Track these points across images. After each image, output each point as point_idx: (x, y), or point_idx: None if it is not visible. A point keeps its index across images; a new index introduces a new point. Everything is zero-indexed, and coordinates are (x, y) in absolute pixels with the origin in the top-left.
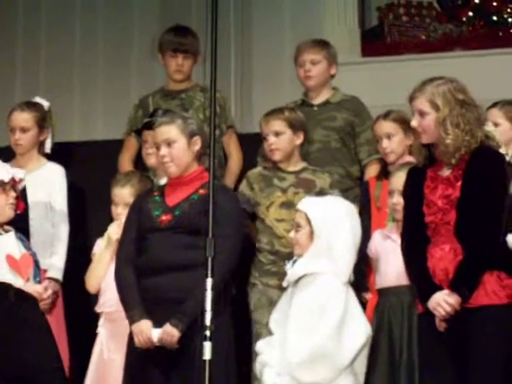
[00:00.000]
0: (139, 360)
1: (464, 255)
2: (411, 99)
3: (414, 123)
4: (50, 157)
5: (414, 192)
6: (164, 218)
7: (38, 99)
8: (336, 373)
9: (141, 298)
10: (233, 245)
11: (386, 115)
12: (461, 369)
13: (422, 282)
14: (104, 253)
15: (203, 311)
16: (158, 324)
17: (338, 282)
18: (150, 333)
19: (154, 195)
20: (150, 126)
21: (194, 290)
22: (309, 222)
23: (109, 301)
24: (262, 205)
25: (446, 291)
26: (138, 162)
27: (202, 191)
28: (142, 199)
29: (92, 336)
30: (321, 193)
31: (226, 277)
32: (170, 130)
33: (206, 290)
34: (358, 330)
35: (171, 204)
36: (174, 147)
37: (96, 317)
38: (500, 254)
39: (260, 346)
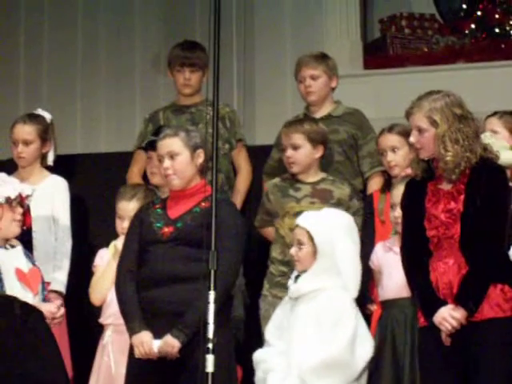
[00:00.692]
0: (140, 371)
1: (469, 269)
2: (408, 115)
3: (412, 139)
4: (53, 169)
5: (413, 205)
6: (166, 230)
7: (40, 111)
8: (346, 382)
9: (140, 311)
10: (234, 258)
11: (390, 128)
12: (464, 381)
13: (426, 296)
14: (111, 265)
15: (205, 323)
16: (158, 336)
17: (348, 297)
18: (151, 343)
19: (155, 208)
20: (153, 146)
21: (196, 302)
22: (311, 239)
23: (117, 312)
24: (278, 215)
25: (451, 306)
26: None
27: (204, 204)
28: (144, 211)
29: (94, 347)
30: (339, 204)
31: (227, 290)
32: (174, 143)
33: (208, 302)
34: (367, 344)
35: (173, 216)
36: (177, 160)
37: (98, 328)
38: (504, 267)
39: (260, 355)
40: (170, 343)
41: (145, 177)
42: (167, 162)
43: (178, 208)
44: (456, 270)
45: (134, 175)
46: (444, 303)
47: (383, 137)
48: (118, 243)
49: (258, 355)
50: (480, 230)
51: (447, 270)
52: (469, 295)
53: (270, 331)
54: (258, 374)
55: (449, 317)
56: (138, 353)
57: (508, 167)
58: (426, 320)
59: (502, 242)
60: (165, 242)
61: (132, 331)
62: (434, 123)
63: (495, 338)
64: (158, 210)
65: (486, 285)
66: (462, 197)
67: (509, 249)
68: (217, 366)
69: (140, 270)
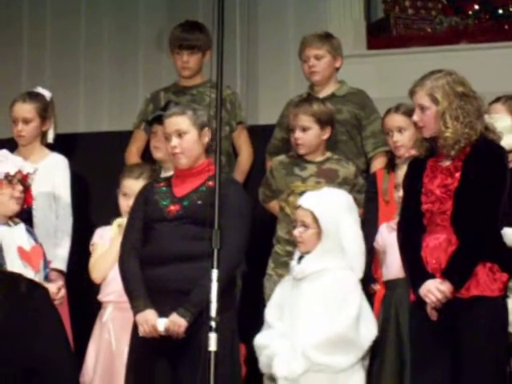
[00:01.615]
0: (143, 350)
1: (459, 244)
2: (411, 93)
3: (415, 118)
4: (54, 147)
5: (413, 182)
6: (172, 208)
7: (39, 89)
8: (351, 360)
9: (145, 288)
10: (240, 237)
11: (397, 108)
12: (452, 357)
13: (414, 269)
14: (114, 242)
15: (209, 302)
16: (162, 314)
17: (353, 277)
18: (155, 322)
19: (160, 186)
20: (161, 120)
21: (201, 281)
22: (315, 220)
23: (118, 290)
24: (283, 193)
25: (438, 279)
26: (145, 155)
27: (210, 183)
28: (148, 189)
29: (91, 324)
30: (344, 183)
31: (232, 269)
32: (182, 122)
33: (212, 281)
34: (371, 325)
35: (179, 195)
36: (184, 138)
37: (96, 306)
38: (495, 246)
39: (261, 340)
40: (177, 322)
41: (143, 156)
42: (175, 141)
43: (184, 186)
44: (446, 245)
45: (132, 154)
46: (432, 277)
47: (389, 117)
48: (123, 221)
49: (259, 340)
50: (472, 207)
51: (437, 245)
52: (456, 270)
53: (270, 312)
54: (262, 360)
55: (434, 289)
56: (142, 331)
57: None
58: (413, 293)
59: (493, 220)
60: (171, 220)
61: (136, 309)
62: (435, 101)
63: (481, 315)
64: (164, 188)
65: (474, 261)
66: (459, 173)
67: (501, 228)
68: (220, 345)
69: (144, 248)
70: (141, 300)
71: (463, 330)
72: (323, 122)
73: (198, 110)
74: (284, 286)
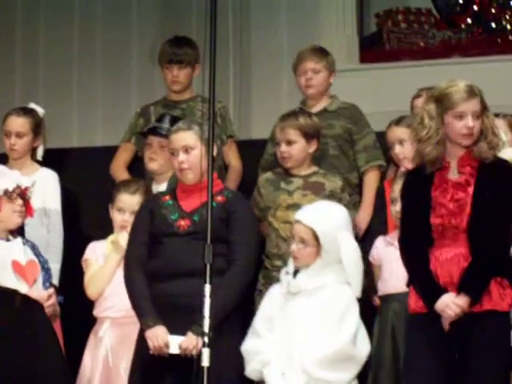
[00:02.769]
0: (148, 365)
1: (474, 259)
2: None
3: (473, 124)
4: (46, 162)
5: (416, 194)
6: (182, 223)
7: (33, 105)
8: (349, 376)
9: (153, 303)
10: (251, 252)
11: (398, 121)
12: (458, 368)
13: (427, 284)
14: (110, 258)
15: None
16: (171, 330)
17: (351, 292)
18: (167, 339)
19: (165, 199)
20: (155, 132)
21: (213, 297)
22: (315, 238)
23: (115, 306)
24: (270, 208)
25: (453, 293)
26: (131, 169)
27: (219, 198)
28: (153, 202)
29: (84, 339)
30: (331, 196)
31: (247, 284)
32: (188, 137)
33: (204, 296)
34: (365, 340)
35: (188, 209)
36: (192, 154)
37: (89, 321)
38: (505, 261)
39: (252, 346)
40: (193, 342)
41: (129, 169)
42: (182, 156)
43: (192, 201)
44: (458, 259)
45: (119, 167)
46: (444, 291)
47: (391, 129)
48: (120, 237)
49: (250, 346)
50: (489, 222)
51: (449, 259)
52: (473, 284)
53: (259, 322)
54: (252, 366)
55: (452, 303)
56: (152, 348)
57: None
58: (427, 307)
59: (508, 236)
60: (181, 235)
61: (146, 325)
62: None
63: (493, 329)
64: (170, 202)
65: (489, 276)
66: (471, 188)
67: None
68: (230, 371)
69: (152, 262)
70: (150, 316)
71: (475, 343)
72: (309, 135)
73: (204, 125)
74: (275, 298)
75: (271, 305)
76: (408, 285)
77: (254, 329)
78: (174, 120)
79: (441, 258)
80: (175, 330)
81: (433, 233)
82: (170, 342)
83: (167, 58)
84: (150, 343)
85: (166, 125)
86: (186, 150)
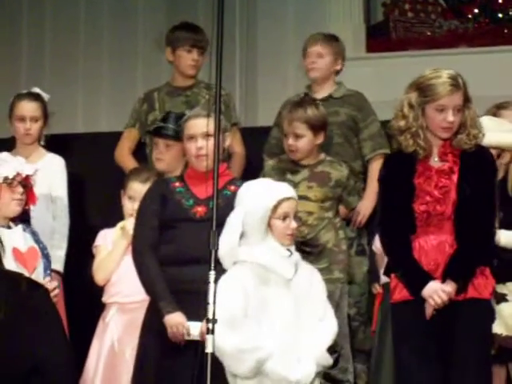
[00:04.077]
0: (160, 349)
1: (461, 246)
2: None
3: (453, 119)
4: (52, 147)
5: (399, 180)
6: (199, 209)
7: (37, 90)
8: None
9: (168, 289)
10: None
11: None
12: (442, 355)
13: (412, 271)
14: (118, 244)
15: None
16: (186, 315)
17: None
18: (188, 326)
19: (176, 185)
20: (160, 133)
21: None
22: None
23: (122, 291)
24: None
25: (439, 281)
26: (137, 153)
27: (233, 188)
28: (164, 188)
29: (92, 326)
30: (336, 186)
31: None
32: (210, 124)
33: (209, 282)
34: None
35: (202, 196)
36: (211, 141)
37: (97, 307)
38: (489, 249)
39: (246, 342)
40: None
41: (134, 154)
42: (201, 142)
43: (205, 188)
44: (443, 247)
45: (124, 152)
46: (431, 278)
47: None
48: (128, 223)
49: (244, 343)
50: (476, 210)
51: (435, 246)
52: (460, 271)
53: (238, 318)
54: (250, 365)
55: (439, 290)
56: (171, 334)
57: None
58: (413, 294)
59: (493, 224)
60: (197, 221)
61: (164, 311)
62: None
63: (478, 317)
64: (181, 189)
65: (475, 263)
66: (456, 176)
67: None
68: None
69: (163, 247)
70: (167, 301)
71: (460, 331)
72: (316, 128)
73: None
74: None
75: (246, 297)
76: (387, 273)
77: (232, 324)
78: (179, 118)
79: (426, 245)
80: (190, 316)
81: (416, 220)
82: (193, 328)
83: (189, 42)
84: (169, 330)
85: (171, 125)
86: (206, 136)
